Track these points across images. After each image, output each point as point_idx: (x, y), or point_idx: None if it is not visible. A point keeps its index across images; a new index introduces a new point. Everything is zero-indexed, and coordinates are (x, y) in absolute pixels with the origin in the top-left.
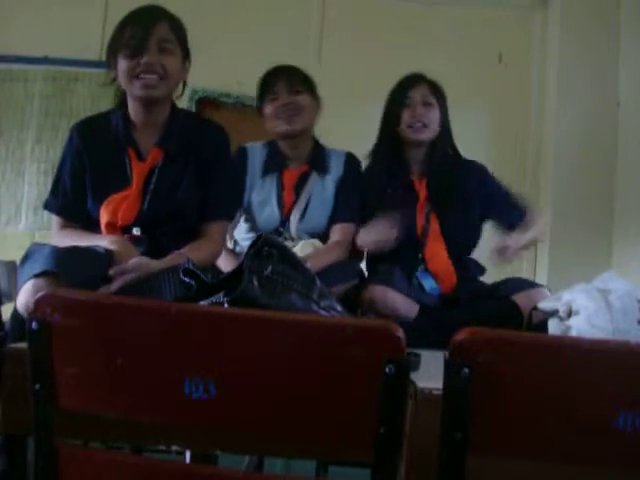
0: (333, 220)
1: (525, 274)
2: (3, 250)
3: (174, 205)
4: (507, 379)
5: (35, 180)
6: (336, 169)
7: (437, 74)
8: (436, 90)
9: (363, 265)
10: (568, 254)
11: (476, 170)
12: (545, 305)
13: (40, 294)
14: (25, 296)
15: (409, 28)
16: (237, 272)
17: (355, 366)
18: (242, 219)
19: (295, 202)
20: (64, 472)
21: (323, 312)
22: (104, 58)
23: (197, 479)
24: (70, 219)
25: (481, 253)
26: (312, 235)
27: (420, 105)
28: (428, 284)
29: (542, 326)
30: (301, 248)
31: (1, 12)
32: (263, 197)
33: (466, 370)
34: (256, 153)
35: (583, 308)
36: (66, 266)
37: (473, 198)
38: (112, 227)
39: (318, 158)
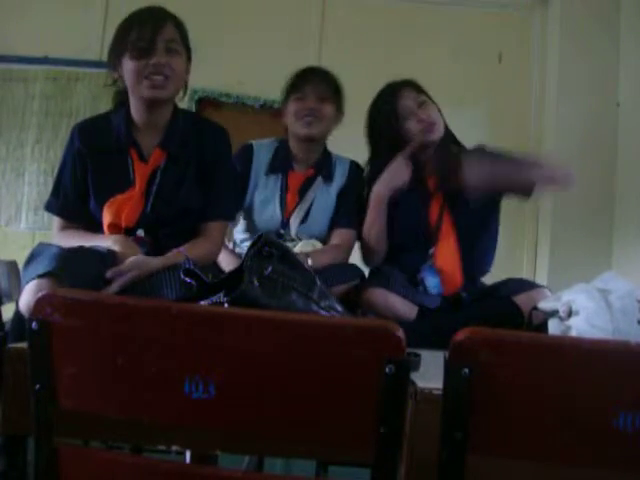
0: (333, 226)
1: (525, 274)
2: (4, 250)
3: (177, 206)
4: (507, 379)
5: (35, 180)
6: (340, 177)
7: (437, 74)
8: (417, 87)
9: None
10: (568, 254)
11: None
12: (545, 305)
13: (40, 294)
14: (27, 296)
15: (409, 28)
16: (237, 272)
17: (355, 366)
18: (241, 217)
19: (297, 205)
20: (64, 472)
21: (323, 312)
22: (104, 58)
23: (197, 479)
24: (71, 220)
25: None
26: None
27: (417, 109)
28: (431, 282)
29: (542, 326)
30: (300, 248)
31: (1, 12)
32: (266, 196)
33: (466, 370)
34: (262, 151)
35: (583, 308)
36: (70, 267)
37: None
38: (115, 228)
39: (325, 164)
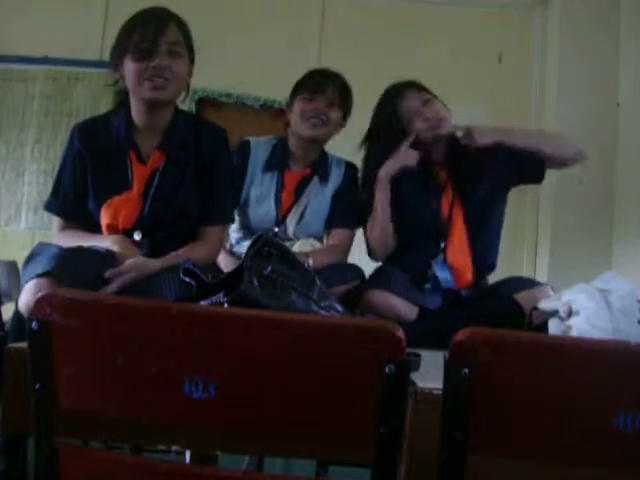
0: (329, 226)
1: (525, 274)
2: (3, 250)
3: (175, 209)
4: (507, 379)
5: (35, 180)
6: (336, 178)
7: (437, 74)
8: (419, 86)
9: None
10: (568, 254)
11: (488, 150)
12: (545, 305)
13: (40, 294)
14: (27, 296)
15: (409, 28)
16: (237, 272)
17: (355, 366)
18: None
19: (293, 204)
20: (64, 472)
21: (323, 312)
22: (104, 58)
23: (197, 479)
24: (71, 220)
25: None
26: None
27: (423, 107)
28: (443, 276)
29: (542, 326)
30: (299, 247)
31: (1, 12)
32: (261, 192)
33: (466, 370)
34: (260, 148)
35: (583, 308)
36: (69, 266)
37: (497, 179)
38: (113, 229)
39: (321, 164)
